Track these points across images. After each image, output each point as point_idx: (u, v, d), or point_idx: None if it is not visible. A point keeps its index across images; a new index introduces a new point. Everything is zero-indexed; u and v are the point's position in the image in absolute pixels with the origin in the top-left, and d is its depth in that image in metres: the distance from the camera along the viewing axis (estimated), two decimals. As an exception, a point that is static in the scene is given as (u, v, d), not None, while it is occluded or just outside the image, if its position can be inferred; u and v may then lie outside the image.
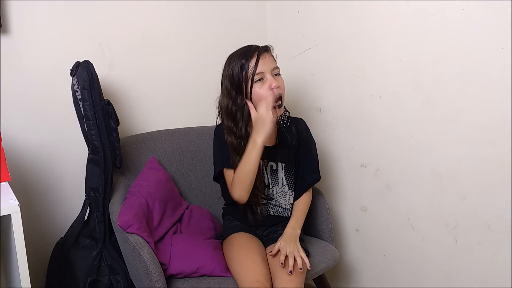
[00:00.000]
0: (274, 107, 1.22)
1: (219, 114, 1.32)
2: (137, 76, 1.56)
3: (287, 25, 1.76)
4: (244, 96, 1.25)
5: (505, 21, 1.08)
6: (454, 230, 1.28)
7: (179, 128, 1.59)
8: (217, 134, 1.32)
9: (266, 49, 1.26)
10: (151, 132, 1.54)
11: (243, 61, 1.24)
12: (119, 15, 1.49)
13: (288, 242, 1.20)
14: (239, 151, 1.24)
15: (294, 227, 1.27)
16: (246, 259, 1.18)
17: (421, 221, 1.37)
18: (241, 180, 1.21)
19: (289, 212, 1.34)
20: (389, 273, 1.51)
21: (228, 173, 1.27)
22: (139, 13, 1.53)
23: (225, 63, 1.30)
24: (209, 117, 1.65)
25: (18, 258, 0.96)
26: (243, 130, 1.26)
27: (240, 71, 1.24)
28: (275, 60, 1.28)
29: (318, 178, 1.37)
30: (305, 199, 1.35)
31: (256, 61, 1.22)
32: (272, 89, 1.22)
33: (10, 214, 0.94)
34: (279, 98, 1.23)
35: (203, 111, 1.70)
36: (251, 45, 1.28)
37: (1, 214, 0.93)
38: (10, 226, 0.96)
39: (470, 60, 1.17)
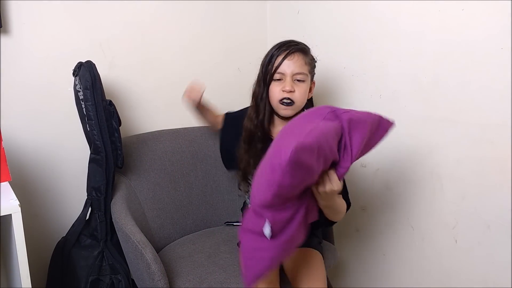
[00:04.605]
0: (282, 103, 1.19)
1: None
2: (137, 76, 1.56)
3: (287, 25, 1.76)
4: (268, 89, 1.21)
5: (505, 21, 1.08)
6: (453, 230, 1.28)
7: (180, 128, 1.59)
8: None
9: (298, 50, 1.19)
10: (152, 132, 1.54)
11: (274, 53, 1.20)
12: (119, 15, 1.49)
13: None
14: (251, 140, 1.23)
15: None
16: None
17: (420, 221, 1.38)
18: None
19: None
20: (389, 273, 1.51)
21: None
22: (139, 13, 1.53)
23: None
24: (210, 117, 1.66)
25: (18, 258, 0.96)
26: (263, 122, 1.23)
27: (268, 63, 1.20)
28: (305, 64, 1.20)
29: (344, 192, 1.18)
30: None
31: (282, 59, 1.18)
32: (283, 91, 1.18)
33: (10, 214, 0.94)
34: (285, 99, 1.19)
35: (203, 111, 1.70)
36: (292, 41, 1.22)
37: (2, 214, 0.93)
38: (11, 226, 0.96)
39: (470, 60, 1.17)
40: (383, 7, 1.37)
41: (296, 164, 0.83)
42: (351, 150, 0.96)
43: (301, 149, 0.83)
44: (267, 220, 0.91)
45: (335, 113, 0.98)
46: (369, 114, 1.00)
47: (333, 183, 0.95)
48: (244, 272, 0.98)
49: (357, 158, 1.01)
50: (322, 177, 0.96)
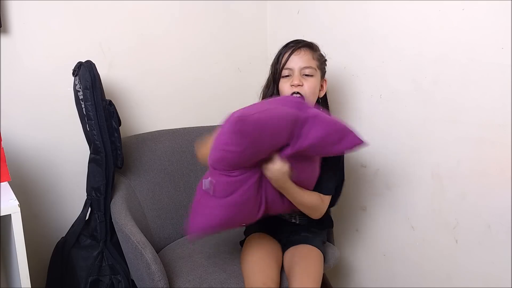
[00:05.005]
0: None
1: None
2: (137, 76, 1.56)
3: (287, 25, 1.76)
4: (278, 88, 1.23)
5: (505, 21, 1.08)
6: (454, 230, 1.28)
7: (179, 128, 1.59)
8: None
9: (304, 45, 1.21)
10: (151, 132, 1.54)
11: (281, 51, 1.22)
12: (118, 15, 1.49)
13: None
14: None
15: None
16: (258, 259, 1.16)
17: (421, 221, 1.37)
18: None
19: (297, 219, 1.31)
20: (389, 273, 1.51)
21: None
22: (139, 13, 1.53)
23: None
24: (209, 117, 1.66)
25: (18, 258, 0.96)
26: None
27: (276, 61, 1.22)
28: (313, 59, 1.21)
29: (328, 192, 1.21)
30: (314, 194, 1.18)
31: (289, 55, 1.19)
32: (291, 85, 1.18)
33: (10, 214, 0.94)
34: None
35: (203, 111, 1.70)
36: (300, 39, 1.25)
37: (1, 214, 0.93)
38: (10, 226, 0.96)
39: (470, 60, 1.17)
40: (383, 7, 1.37)
41: (238, 132, 0.91)
42: (301, 141, 1.01)
43: (241, 120, 0.91)
44: (209, 178, 1.03)
45: (304, 106, 1.05)
46: (336, 122, 1.05)
47: (274, 164, 1.02)
48: (190, 220, 1.08)
49: (308, 154, 1.07)
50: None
